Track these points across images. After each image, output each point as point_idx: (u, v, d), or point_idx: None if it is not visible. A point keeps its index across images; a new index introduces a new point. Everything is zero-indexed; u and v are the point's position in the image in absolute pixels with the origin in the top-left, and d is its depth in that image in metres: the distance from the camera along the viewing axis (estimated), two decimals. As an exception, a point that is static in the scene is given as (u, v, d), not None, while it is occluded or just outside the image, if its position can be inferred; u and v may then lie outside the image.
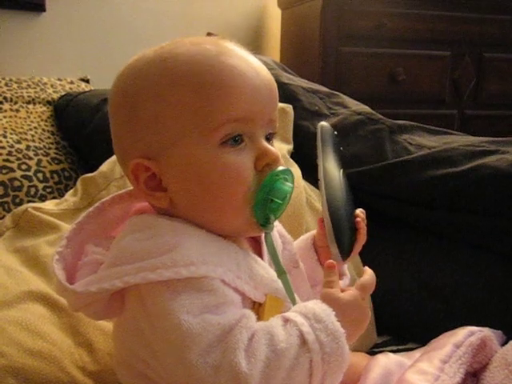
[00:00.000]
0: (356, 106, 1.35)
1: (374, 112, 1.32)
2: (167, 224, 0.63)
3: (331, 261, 0.66)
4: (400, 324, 1.14)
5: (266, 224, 0.64)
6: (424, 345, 0.87)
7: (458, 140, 1.22)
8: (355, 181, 1.23)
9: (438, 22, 2.34)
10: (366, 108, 1.34)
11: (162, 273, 0.57)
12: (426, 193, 1.14)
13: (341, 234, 0.74)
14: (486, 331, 0.82)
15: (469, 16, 2.37)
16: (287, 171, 0.65)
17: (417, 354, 0.83)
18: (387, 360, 0.81)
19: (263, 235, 0.66)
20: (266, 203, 0.62)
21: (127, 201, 0.72)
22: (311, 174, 1.23)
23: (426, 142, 1.22)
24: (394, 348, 1.07)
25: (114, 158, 1.23)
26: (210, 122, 0.60)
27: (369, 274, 0.67)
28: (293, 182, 0.66)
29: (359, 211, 0.78)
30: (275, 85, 0.66)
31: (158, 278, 0.57)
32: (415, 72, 2.35)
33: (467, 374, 0.76)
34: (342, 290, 0.64)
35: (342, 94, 1.40)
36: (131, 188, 0.72)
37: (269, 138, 0.66)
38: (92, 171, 1.21)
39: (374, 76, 2.29)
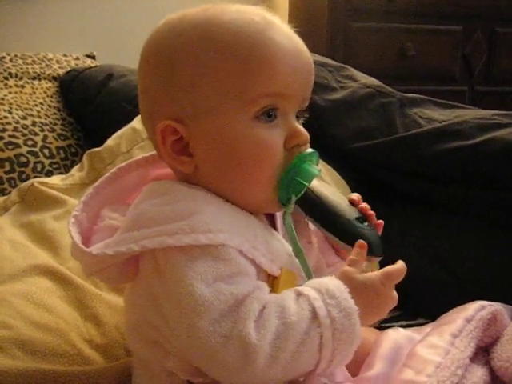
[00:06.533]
0: (365, 79, 1.32)
1: (383, 85, 1.30)
2: (186, 190, 0.62)
3: (362, 241, 0.65)
4: (410, 299, 1.13)
5: (286, 203, 0.64)
6: (434, 320, 0.87)
7: (469, 113, 1.19)
8: (364, 154, 1.22)
9: (450, -5, 2.30)
10: (375, 81, 1.32)
11: (181, 238, 0.56)
12: (436, 166, 1.12)
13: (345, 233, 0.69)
14: (496, 306, 0.81)
15: (481, -11, 2.33)
16: (314, 154, 0.65)
17: (427, 328, 0.82)
18: (397, 334, 0.80)
19: (281, 213, 0.66)
20: (291, 183, 0.62)
21: (144, 167, 0.71)
22: (319, 149, 1.22)
23: (437, 116, 1.20)
24: (404, 323, 1.07)
25: (119, 132, 1.22)
26: (248, 94, 0.60)
27: (399, 264, 0.64)
28: (318, 165, 0.66)
29: (355, 197, 0.74)
30: (313, 66, 0.66)
31: (175, 244, 0.56)
32: (425, 47, 2.31)
33: (478, 348, 0.76)
34: (365, 272, 0.63)
35: (351, 68, 1.38)
36: (148, 154, 0.71)
37: (298, 116, 0.66)
38: (98, 146, 1.21)
39: (383, 51, 2.25)
